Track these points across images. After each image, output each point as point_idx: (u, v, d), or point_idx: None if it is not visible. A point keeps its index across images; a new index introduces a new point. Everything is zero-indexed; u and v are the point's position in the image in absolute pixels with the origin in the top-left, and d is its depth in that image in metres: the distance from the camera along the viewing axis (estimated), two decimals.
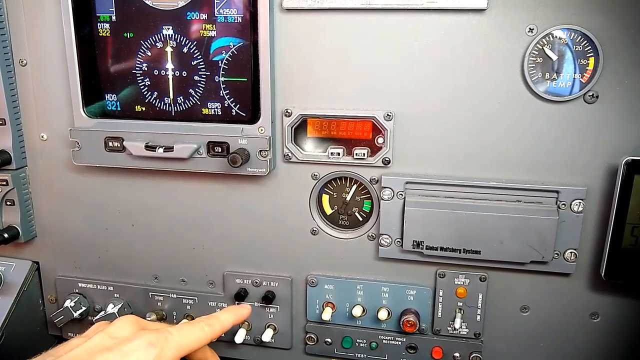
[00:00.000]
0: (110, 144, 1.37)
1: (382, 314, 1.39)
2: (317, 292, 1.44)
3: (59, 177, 1.50)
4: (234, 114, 1.33)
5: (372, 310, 1.42)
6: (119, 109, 1.38)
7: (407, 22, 1.21)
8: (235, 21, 1.26)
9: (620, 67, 1.16)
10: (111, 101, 1.38)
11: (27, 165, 1.51)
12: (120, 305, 1.53)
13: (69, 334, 1.62)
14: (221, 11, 1.26)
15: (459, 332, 1.39)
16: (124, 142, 1.36)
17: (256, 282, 1.46)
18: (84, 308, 1.56)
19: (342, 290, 1.42)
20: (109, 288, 1.56)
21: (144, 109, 1.37)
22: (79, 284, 1.58)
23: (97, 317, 1.52)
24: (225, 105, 1.32)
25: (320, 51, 1.27)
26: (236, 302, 1.48)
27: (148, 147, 1.33)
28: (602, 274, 1.25)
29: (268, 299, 1.44)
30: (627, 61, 1.15)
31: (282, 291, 1.46)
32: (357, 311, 1.41)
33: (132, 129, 1.36)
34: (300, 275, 1.45)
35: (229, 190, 1.41)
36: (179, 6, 1.28)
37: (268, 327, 1.49)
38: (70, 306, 1.54)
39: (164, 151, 1.33)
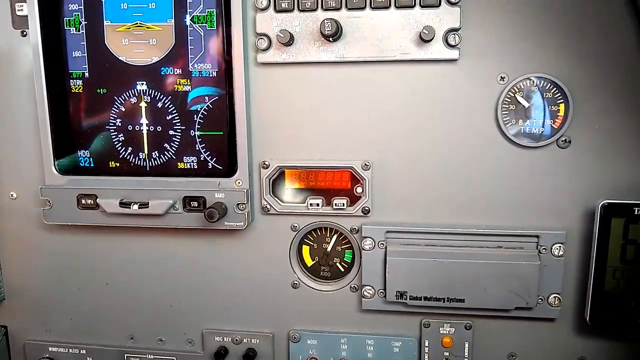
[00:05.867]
0: (83, 201, 1.33)
1: None
2: (300, 348, 1.39)
3: (29, 236, 1.45)
4: (210, 167, 1.31)
5: None
6: (92, 165, 1.36)
7: (382, 74, 1.23)
8: (210, 75, 1.26)
9: (590, 112, 1.18)
10: (84, 157, 1.36)
11: None
12: None
13: None
14: (196, 66, 1.26)
15: None
16: (98, 200, 1.32)
17: (236, 340, 1.41)
18: None
19: (326, 345, 1.38)
20: (81, 352, 1.49)
21: (118, 164, 1.34)
22: (50, 348, 1.50)
23: None
24: (201, 159, 1.31)
25: (296, 103, 1.27)
26: None
27: (122, 204, 1.30)
28: (587, 319, 1.24)
29: (249, 356, 1.39)
30: (597, 106, 1.18)
31: (264, 348, 1.41)
32: None
33: (106, 185, 1.33)
34: (282, 330, 1.40)
35: (206, 245, 1.38)
36: (153, 62, 1.27)
37: None
38: None
39: (138, 208, 1.30)
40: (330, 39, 1.19)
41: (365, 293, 1.32)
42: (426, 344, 1.35)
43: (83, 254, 1.44)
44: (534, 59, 1.18)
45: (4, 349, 1.53)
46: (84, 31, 1.28)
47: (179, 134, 1.30)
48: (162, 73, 1.27)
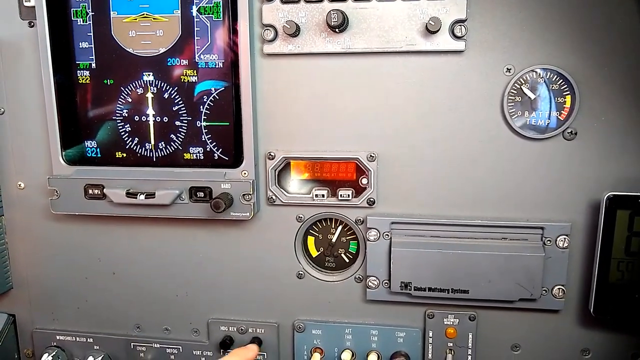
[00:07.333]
0: (90, 191, 1.34)
1: (372, 358, 1.36)
2: (304, 338, 1.40)
3: (37, 226, 1.46)
4: (216, 158, 1.32)
5: (361, 355, 1.39)
6: (99, 155, 1.36)
7: (388, 65, 1.23)
8: (217, 66, 1.26)
9: (596, 104, 1.18)
10: (91, 148, 1.36)
11: (3, 215, 1.47)
12: (100, 358, 1.48)
13: None
14: (202, 57, 1.26)
15: None
16: (105, 190, 1.33)
17: (242, 329, 1.42)
18: None
19: (330, 335, 1.39)
20: (88, 340, 1.50)
21: (124, 155, 1.35)
22: (57, 337, 1.52)
23: None
24: (208, 149, 1.31)
25: (301, 94, 1.27)
26: (221, 351, 1.43)
27: (129, 194, 1.31)
28: (591, 310, 1.24)
29: None
30: (603, 98, 1.18)
31: (269, 338, 1.42)
32: (346, 356, 1.37)
33: (113, 175, 1.34)
34: (287, 320, 1.41)
35: (212, 236, 1.39)
36: (160, 52, 1.28)
37: None
38: None
39: (145, 198, 1.30)
40: (337, 29, 1.19)
41: (369, 284, 1.33)
42: (430, 335, 1.35)
43: (90, 244, 1.45)
44: (540, 50, 1.17)
45: (12, 338, 1.55)
46: (90, 22, 1.28)
47: (185, 125, 1.30)
48: (168, 64, 1.28)
